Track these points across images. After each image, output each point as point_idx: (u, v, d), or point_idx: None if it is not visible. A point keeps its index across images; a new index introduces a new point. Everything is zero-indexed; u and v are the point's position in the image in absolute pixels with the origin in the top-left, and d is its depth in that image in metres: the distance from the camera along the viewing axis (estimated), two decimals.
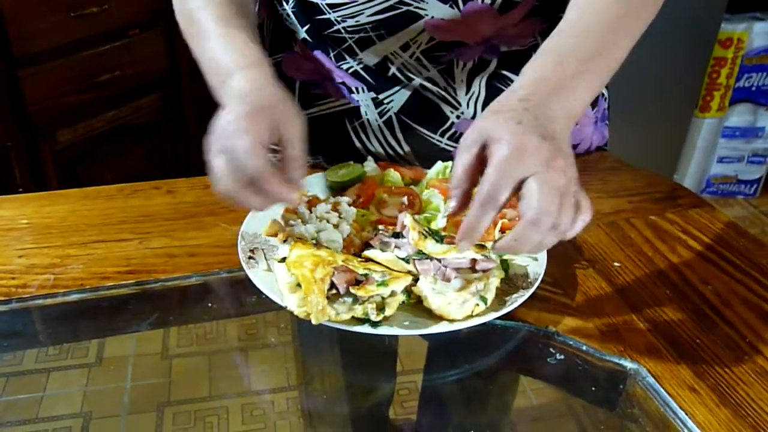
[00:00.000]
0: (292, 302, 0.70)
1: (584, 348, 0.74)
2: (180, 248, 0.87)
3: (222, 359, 0.84)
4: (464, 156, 0.65)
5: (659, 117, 2.48)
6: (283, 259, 0.75)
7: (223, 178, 0.66)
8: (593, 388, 0.75)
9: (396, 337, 0.78)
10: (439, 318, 0.72)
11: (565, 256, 0.88)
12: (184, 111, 2.41)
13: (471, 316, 0.72)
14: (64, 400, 0.77)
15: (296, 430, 0.83)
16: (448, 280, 0.73)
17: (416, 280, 0.74)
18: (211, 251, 0.86)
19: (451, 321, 0.71)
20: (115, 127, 2.24)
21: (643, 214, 0.98)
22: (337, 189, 0.91)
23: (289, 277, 0.72)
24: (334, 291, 0.70)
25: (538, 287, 0.77)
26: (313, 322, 0.68)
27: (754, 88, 2.77)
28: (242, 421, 0.78)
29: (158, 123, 2.36)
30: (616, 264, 0.87)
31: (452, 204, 0.67)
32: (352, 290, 0.69)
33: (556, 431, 0.80)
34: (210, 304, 0.82)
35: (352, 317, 0.70)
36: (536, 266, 0.81)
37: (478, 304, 0.72)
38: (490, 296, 0.73)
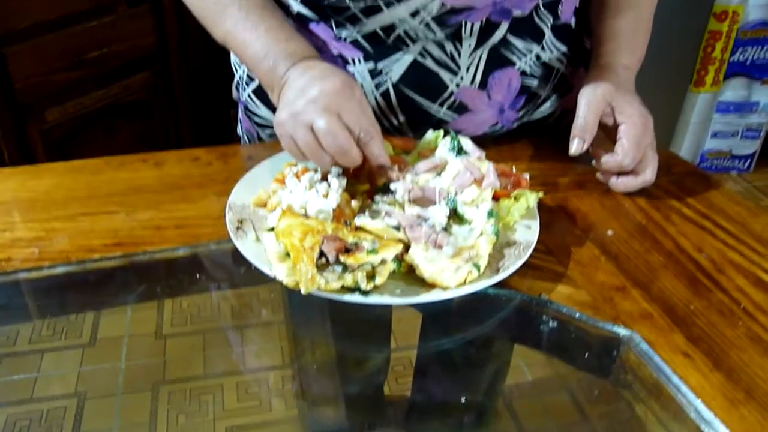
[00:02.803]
0: (280, 272, 0.69)
1: (577, 315, 0.73)
2: (168, 220, 0.85)
3: (216, 338, 0.83)
4: (596, 110, 0.90)
5: (653, 92, 2.45)
6: (272, 229, 0.73)
7: (332, 134, 0.75)
8: (586, 356, 0.74)
9: (389, 307, 0.77)
10: (431, 286, 0.71)
11: (558, 225, 0.87)
12: (175, 89, 2.39)
13: (464, 284, 0.71)
14: (58, 381, 0.77)
15: (291, 407, 0.83)
16: (440, 247, 0.73)
17: (408, 248, 0.73)
18: (200, 223, 0.85)
19: (444, 289, 0.70)
20: (105, 105, 2.21)
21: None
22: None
23: (277, 247, 0.71)
24: (323, 260, 0.69)
25: (531, 255, 0.77)
26: (303, 291, 0.67)
27: (749, 62, 2.75)
28: (237, 399, 0.78)
29: (149, 101, 2.34)
30: (609, 232, 0.86)
31: (579, 147, 0.91)
32: (342, 258, 0.68)
33: (549, 399, 0.79)
34: (198, 276, 0.81)
35: (342, 286, 0.69)
36: (529, 234, 0.80)
37: (471, 271, 0.71)
38: (483, 263, 0.72)
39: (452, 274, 0.71)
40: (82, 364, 0.78)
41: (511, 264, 0.74)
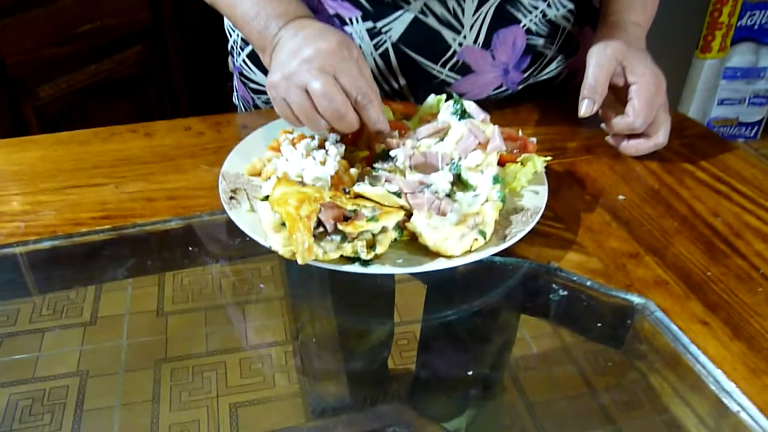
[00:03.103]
0: (276, 242, 0.66)
1: (588, 283, 0.70)
2: (158, 192, 0.82)
3: (218, 314, 0.82)
4: (606, 69, 0.86)
5: (659, 58, 2.40)
6: (266, 198, 0.70)
7: (328, 96, 0.71)
8: (599, 325, 0.71)
9: (391, 277, 0.73)
10: (435, 255, 0.67)
11: (567, 190, 0.83)
12: (170, 63, 2.33)
13: (469, 252, 0.67)
14: (60, 360, 0.76)
15: (295, 383, 0.81)
16: (444, 215, 0.69)
17: (409, 215, 0.69)
18: (192, 194, 0.81)
19: (449, 257, 0.67)
20: (99, 81, 2.16)
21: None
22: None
23: (272, 216, 0.67)
24: (321, 229, 0.66)
25: (539, 222, 0.73)
26: (299, 261, 0.63)
27: (756, 27, 2.68)
28: (240, 376, 0.77)
29: (144, 76, 2.29)
30: (620, 197, 0.83)
31: (590, 108, 0.86)
32: (340, 227, 0.65)
33: (558, 371, 0.76)
34: (191, 248, 0.78)
35: (341, 256, 0.66)
36: (537, 200, 0.76)
37: (476, 239, 0.67)
38: (489, 230, 0.69)
39: (457, 241, 0.67)
40: (83, 343, 0.77)
41: (519, 231, 0.71)
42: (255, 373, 0.78)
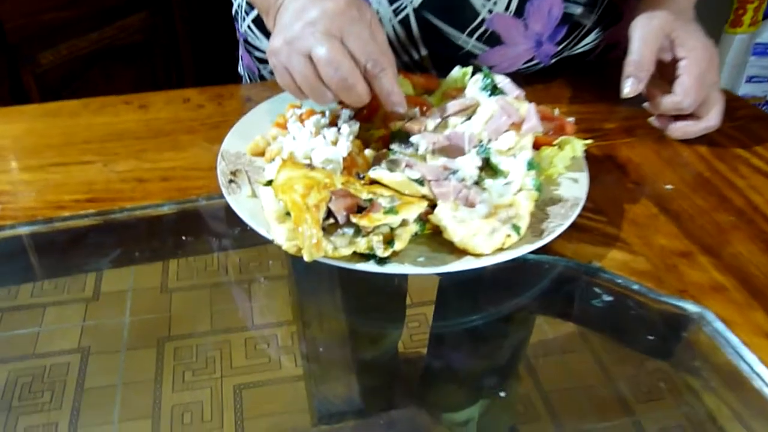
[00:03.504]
0: (280, 234, 0.57)
1: (636, 287, 0.61)
2: (151, 171, 0.73)
3: (224, 293, 0.77)
4: (653, 43, 0.76)
5: None
6: (270, 182, 0.61)
7: (334, 64, 0.61)
8: (649, 337, 0.62)
9: (406, 276, 0.65)
10: (460, 252, 0.59)
11: (607, 177, 0.74)
12: (176, 31, 2.24)
13: (501, 250, 0.59)
14: (61, 336, 0.72)
15: (300, 365, 0.75)
16: (472, 206, 0.60)
17: (433, 206, 0.60)
18: (188, 174, 0.73)
19: (477, 256, 0.58)
20: (102, 48, 2.07)
21: None
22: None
23: (276, 204, 0.59)
24: (331, 220, 0.57)
25: (578, 215, 0.64)
26: (306, 258, 0.55)
27: None
28: (245, 356, 0.72)
29: (148, 43, 2.19)
30: (668, 186, 0.73)
31: (634, 87, 0.76)
32: (354, 219, 0.56)
33: (600, 386, 0.67)
34: (184, 237, 0.69)
35: (354, 253, 0.57)
36: (576, 189, 0.67)
37: (509, 235, 0.59)
38: (524, 224, 0.60)
39: (486, 237, 0.58)
40: (85, 319, 0.74)
41: (557, 225, 0.62)
42: (260, 354, 0.74)
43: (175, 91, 0.87)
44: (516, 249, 0.59)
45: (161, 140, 0.78)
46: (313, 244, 0.55)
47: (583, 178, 0.68)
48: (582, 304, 0.63)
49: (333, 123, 0.71)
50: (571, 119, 0.73)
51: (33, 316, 0.73)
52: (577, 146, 0.70)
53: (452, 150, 0.66)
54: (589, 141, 0.71)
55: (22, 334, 0.72)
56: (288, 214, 0.58)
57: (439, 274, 0.60)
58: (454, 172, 0.63)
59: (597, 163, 0.76)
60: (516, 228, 0.60)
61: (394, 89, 0.65)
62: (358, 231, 0.57)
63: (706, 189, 0.73)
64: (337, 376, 0.76)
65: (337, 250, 0.56)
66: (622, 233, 0.67)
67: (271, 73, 0.92)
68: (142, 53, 2.18)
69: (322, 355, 0.76)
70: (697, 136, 0.79)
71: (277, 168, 0.62)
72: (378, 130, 0.71)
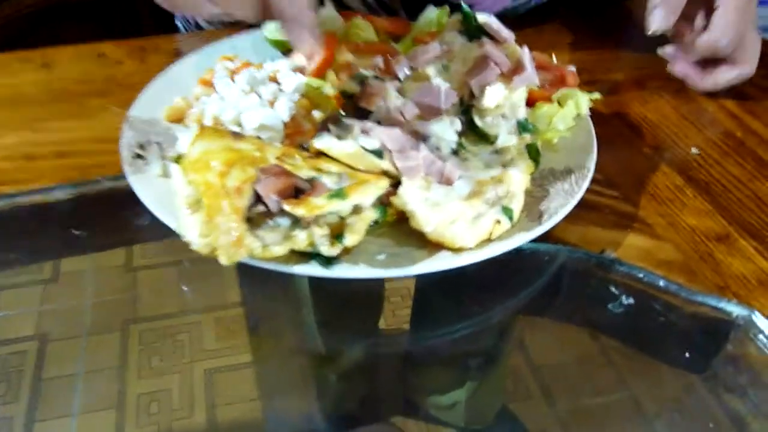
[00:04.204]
0: (190, 228, 0.42)
1: (662, 284, 0.47)
2: (46, 145, 0.59)
3: (193, 270, 0.70)
4: None
5: None
6: (180, 158, 0.46)
7: None
8: (685, 351, 0.47)
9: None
10: (434, 246, 0.44)
11: (618, 142, 0.60)
12: None
13: (488, 240, 0.44)
14: (17, 321, 0.68)
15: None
16: (450, 183, 0.45)
17: (396, 185, 0.45)
18: (92, 149, 0.58)
19: (457, 251, 0.44)
20: (51, 6, 1.89)
21: None
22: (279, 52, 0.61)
23: (186, 188, 0.44)
24: (260, 208, 0.42)
25: (586, 190, 0.49)
26: (223, 261, 0.40)
27: None
28: (217, 338, 0.69)
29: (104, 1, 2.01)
30: (694, 150, 0.60)
31: (665, 21, 0.60)
32: (286, 207, 0.41)
33: (617, 404, 0.54)
34: (77, 232, 0.54)
35: (292, 251, 0.42)
36: (582, 157, 0.53)
37: (499, 221, 0.44)
38: (517, 206, 0.46)
39: (469, 225, 0.44)
40: (43, 303, 0.70)
41: (559, 206, 0.47)
42: (233, 335, 0.71)
43: (88, 44, 0.71)
44: (508, 239, 0.45)
45: (63, 106, 0.63)
46: (232, 242, 0.40)
47: (590, 142, 0.54)
48: (594, 309, 0.49)
49: (273, 80, 0.55)
50: (571, 68, 0.59)
51: None
52: (581, 102, 0.56)
53: (424, 109, 0.51)
54: (595, 95, 0.56)
55: None
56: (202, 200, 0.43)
57: (407, 277, 0.45)
58: (425, 138, 0.48)
59: (604, 123, 0.62)
60: (507, 211, 0.45)
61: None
62: (297, 222, 0.42)
63: (739, 153, 0.60)
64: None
65: (267, 248, 0.41)
66: (640, 212, 0.53)
67: (210, 23, 0.76)
68: (97, 12, 2.00)
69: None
70: (728, 86, 0.65)
71: (192, 138, 0.47)
72: (330, 86, 0.55)
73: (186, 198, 0.44)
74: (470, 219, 0.44)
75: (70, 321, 0.67)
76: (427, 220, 0.44)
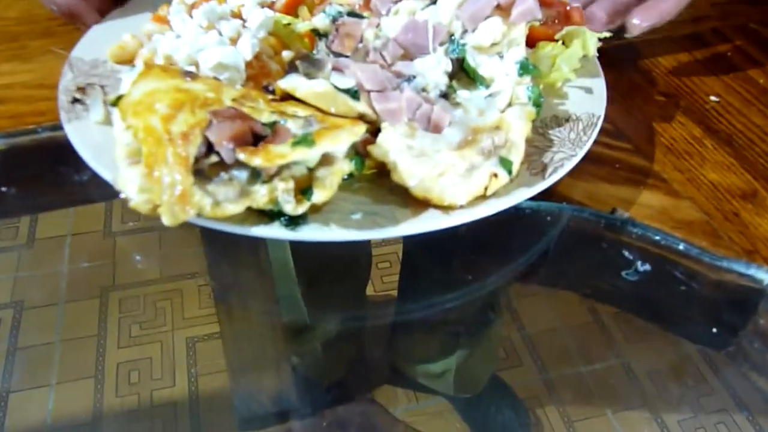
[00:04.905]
0: (129, 182, 0.35)
1: (681, 247, 0.40)
2: None
3: (175, 235, 0.67)
4: None
5: None
6: (120, 99, 0.38)
7: None
8: (709, 325, 0.41)
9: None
10: (420, 204, 0.38)
11: (628, 86, 0.53)
12: None
13: (484, 198, 0.37)
14: None
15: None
16: (438, 130, 0.39)
17: (376, 132, 0.38)
18: (32, 95, 0.51)
19: (446, 209, 0.37)
20: None
21: (737, 20, 0.62)
22: None
23: (125, 135, 0.37)
24: (213, 158, 0.35)
25: (594, 141, 0.43)
26: (166, 221, 0.33)
27: None
28: (199, 306, 0.70)
29: None
30: (712, 98, 0.53)
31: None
32: (242, 156, 0.34)
33: (612, 370, 0.48)
34: (5, 189, 0.47)
35: (250, 209, 0.35)
36: (589, 103, 0.46)
37: (496, 174, 0.38)
38: (517, 157, 0.39)
39: (460, 179, 0.37)
40: (18, 269, 0.71)
41: (565, 157, 0.41)
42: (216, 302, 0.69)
43: None
44: (506, 196, 0.38)
45: (1, 48, 0.55)
46: (176, 198, 0.33)
47: (599, 86, 0.47)
48: (603, 277, 0.42)
49: (237, 16, 0.48)
50: (577, 3, 0.51)
51: None
52: (589, 41, 0.49)
53: (409, 47, 0.44)
54: (605, 33, 0.49)
55: None
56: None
57: (387, 238, 0.39)
58: (410, 79, 0.41)
59: (612, 66, 0.54)
60: (506, 163, 0.39)
61: None
62: (257, 175, 0.35)
63: (763, 101, 0.53)
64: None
65: (219, 206, 0.35)
66: (655, 166, 0.46)
67: None
68: None
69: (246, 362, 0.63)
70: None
71: (134, 76, 0.39)
72: (300, 22, 0.48)
73: (125, 147, 0.37)
74: (462, 172, 0.38)
75: (47, 288, 0.68)
76: (411, 173, 0.37)
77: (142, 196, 0.34)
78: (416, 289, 0.55)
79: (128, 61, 0.48)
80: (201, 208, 0.34)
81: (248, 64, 0.45)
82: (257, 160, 0.33)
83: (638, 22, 0.52)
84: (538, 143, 0.43)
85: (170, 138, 0.35)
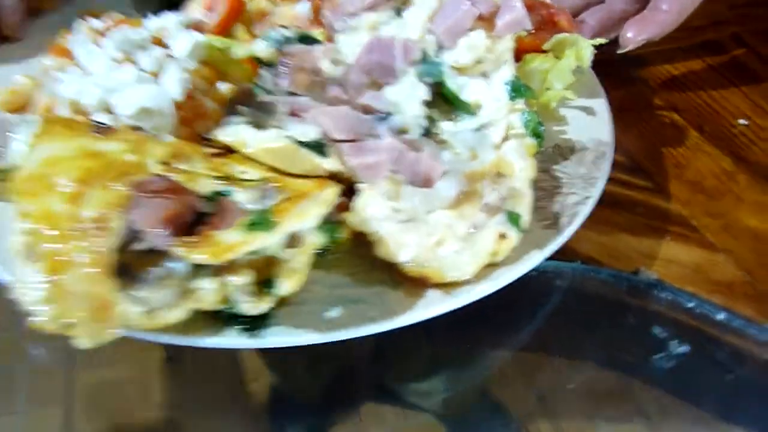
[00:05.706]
0: (30, 290, 0.27)
1: (721, 317, 0.34)
2: None
3: None
4: None
5: None
6: (11, 173, 0.30)
7: None
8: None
9: None
10: (415, 283, 0.30)
11: (638, 105, 0.47)
12: None
13: (494, 267, 0.31)
14: None
15: None
16: (429, 184, 0.31)
17: (349, 193, 0.31)
18: None
19: (446, 287, 0.30)
20: None
21: (759, 24, 0.57)
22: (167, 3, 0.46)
23: (20, 223, 0.28)
24: (141, 244, 0.27)
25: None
26: (83, 345, 0.25)
27: None
28: None
29: None
30: (741, 122, 0.47)
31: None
32: (180, 251, 0.26)
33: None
34: None
35: (197, 313, 0.28)
36: (593, 126, 0.40)
37: (504, 234, 0.30)
38: (525, 209, 0.32)
39: (463, 247, 0.30)
40: None
41: (580, 202, 0.34)
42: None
43: None
44: (517, 262, 0.32)
45: None
46: (93, 311, 0.25)
47: (600, 106, 0.41)
48: (633, 358, 0.35)
49: (158, 43, 0.40)
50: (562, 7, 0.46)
51: None
52: (583, 51, 0.43)
53: (376, 71, 0.37)
54: (600, 39, 0.43)
55: None
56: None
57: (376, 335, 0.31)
58: (385, 117, 0.34)
59: (618, 85, 0.49)
60: (514, 218, 0.32)
61: None
62: (202, 267, 0.27)
63: None
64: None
65: (153, 314, 0.27)
66: (683, 209, 0.40)
67: None
68: None
69: None
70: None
71: (32, 134, 0.31)
72: (239, 47, 0.40)
73: (23, 236, 0.29)
74: (463, 235, 0.31)
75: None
76: (401, 245, 0.30)
77: (48, 310, 0.26)
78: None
79: (21, 108, 0.39)
80: (129, 320, 0.26)
81: (178, 105, 0.37)
82: (200, 257, 0.26)
83: (632, 36, 0.46)
84: (544, 183, 0.37)
85: (80, 227, 0.26)
